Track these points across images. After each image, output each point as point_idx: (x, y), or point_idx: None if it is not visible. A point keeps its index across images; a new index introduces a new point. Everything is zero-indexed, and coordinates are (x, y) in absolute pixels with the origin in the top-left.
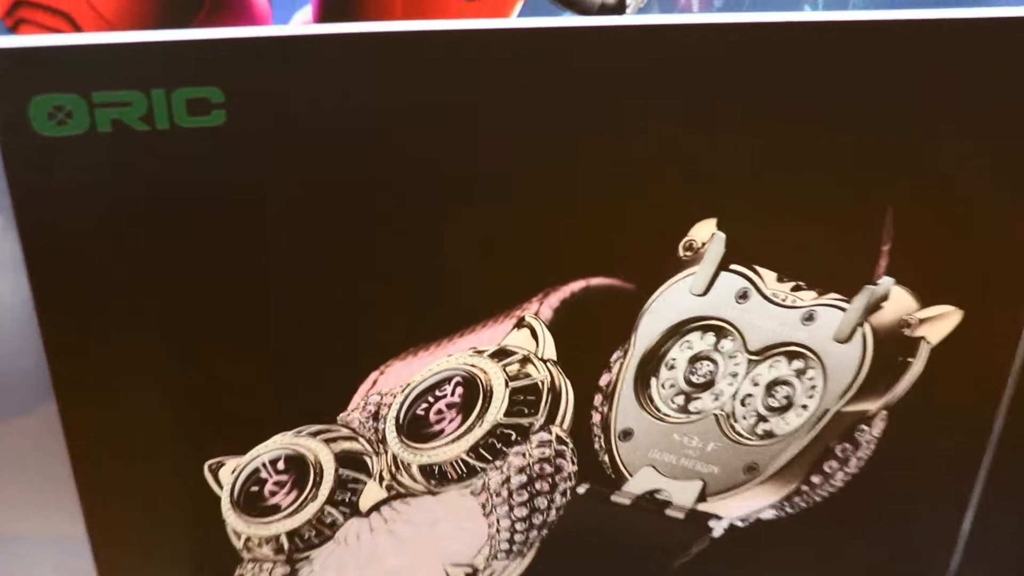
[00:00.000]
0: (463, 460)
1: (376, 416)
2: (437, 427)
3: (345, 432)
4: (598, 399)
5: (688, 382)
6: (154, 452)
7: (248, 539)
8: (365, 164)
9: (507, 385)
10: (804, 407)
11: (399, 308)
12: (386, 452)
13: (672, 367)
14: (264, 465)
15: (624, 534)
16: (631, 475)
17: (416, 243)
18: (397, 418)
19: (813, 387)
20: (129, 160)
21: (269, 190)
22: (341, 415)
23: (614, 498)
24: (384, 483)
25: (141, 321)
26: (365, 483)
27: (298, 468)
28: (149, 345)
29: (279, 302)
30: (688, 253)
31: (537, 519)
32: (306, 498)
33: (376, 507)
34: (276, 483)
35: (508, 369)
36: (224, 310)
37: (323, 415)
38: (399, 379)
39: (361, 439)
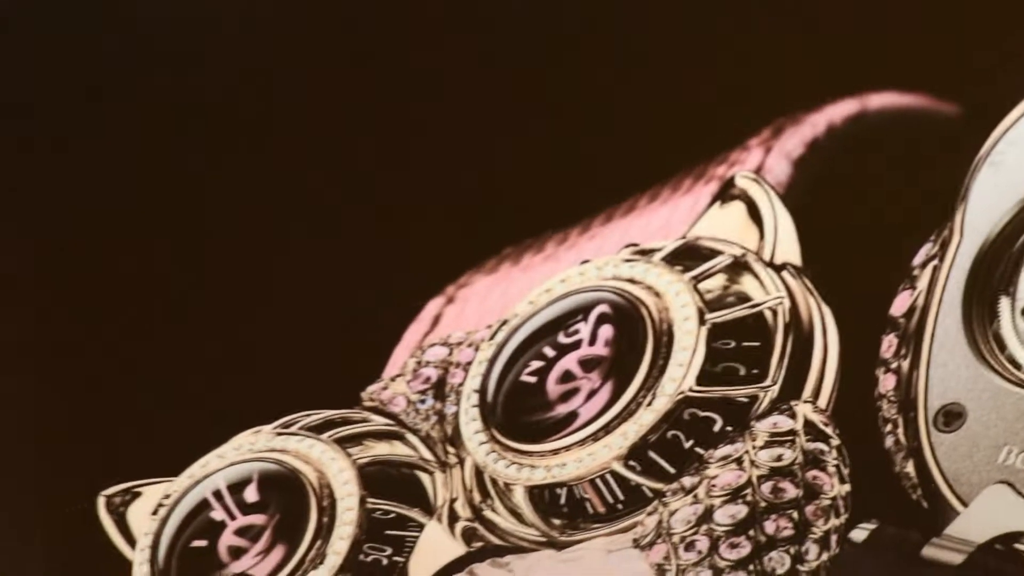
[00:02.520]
0: (617, 475)
1: (440, 388)
2: (562, 408)
3: (378, 423)
4: (890, 345)
5: None
6: None
7: None
8: None
9: (702, 320)
10: None
11: (483, 168)
12: (461, 462)
13: None
14: (218, 494)
15: None
16: (964, 502)
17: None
18: (483, 391)
19: None
20: None
21: None
22: (369, 389)
23: (929, 551)
24: (458, 526)
25: None
26: (420, 527)
27: (286, 499)
28: None
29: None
30: None
31: None
32: (302, 562)
33: None
34: (242, 530)
35: (704, 287)
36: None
37: (333, 391)
38: (485, 311)
39: (410, 436)
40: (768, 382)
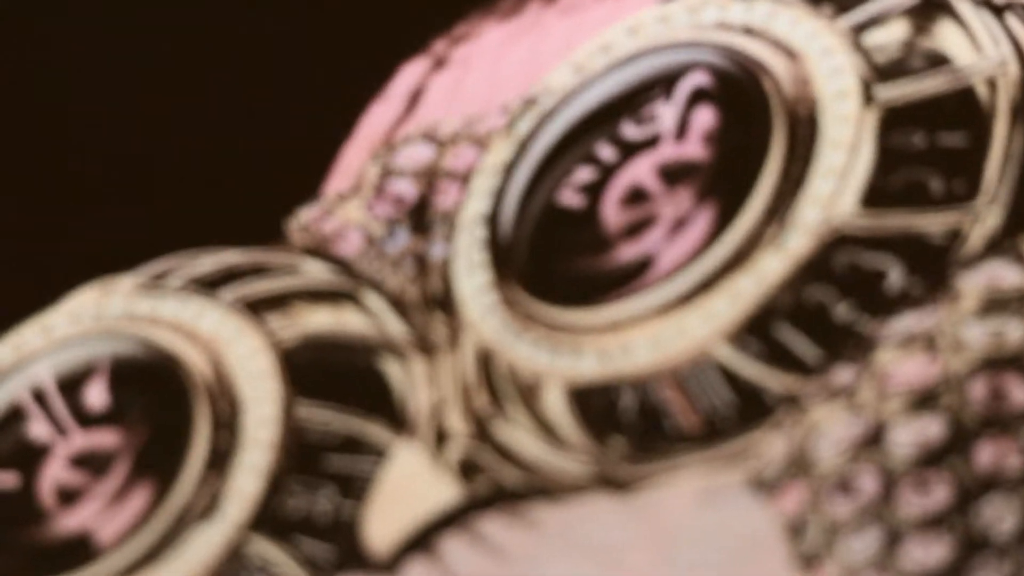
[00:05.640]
0: (721, 366)
1: (420, 216)
2: (629, 248)
3: (315, 275)
4: None
5: None
6: None
7: None
8: None
9: (870, 98)
10: None
11: None
12: (456, 340)
13: None
14: (40, 395)
15: None
16: None
17: None
18: (494, 220)
19: None
20: None
21: None
22: (301, 216)
23: None
24: (451, 450)
25: None
26: (384, 453)
27: (155, 405)
28: None
29: None
30: None
31: None
32: (185, 513)
33: (421, 543)
34: (80, 459)
35: (872, 42)
36: None
37: (238, 219)
38: (497, 84)
39: (370, 296)
40: (980, 204)
